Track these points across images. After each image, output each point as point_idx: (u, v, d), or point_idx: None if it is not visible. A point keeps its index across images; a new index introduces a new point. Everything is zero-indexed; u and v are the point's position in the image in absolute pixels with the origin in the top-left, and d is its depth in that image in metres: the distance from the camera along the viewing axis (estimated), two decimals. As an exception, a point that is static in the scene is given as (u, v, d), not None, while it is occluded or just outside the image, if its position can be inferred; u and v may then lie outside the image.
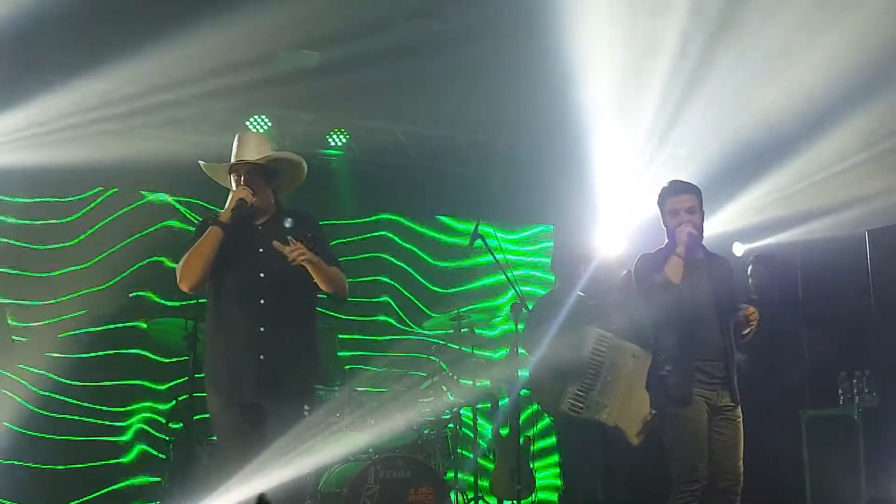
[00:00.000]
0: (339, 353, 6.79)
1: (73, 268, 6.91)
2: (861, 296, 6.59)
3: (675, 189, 4.69)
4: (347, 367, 6.44)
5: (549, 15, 5.84)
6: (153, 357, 6.97)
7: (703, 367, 4.52)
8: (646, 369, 4.82)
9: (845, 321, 6.64)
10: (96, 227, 7.06)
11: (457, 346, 6.67)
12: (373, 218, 8.05)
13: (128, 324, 6.91)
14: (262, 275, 4.01)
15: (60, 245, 6.94)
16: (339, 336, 6.87)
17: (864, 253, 6.61)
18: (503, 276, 6.12)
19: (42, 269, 6.84)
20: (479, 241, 5.81)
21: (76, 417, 6.76)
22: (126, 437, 6.93)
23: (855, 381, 6.22)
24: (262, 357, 3.95)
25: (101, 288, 6.91)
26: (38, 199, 6.94)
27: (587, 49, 6.25)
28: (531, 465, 6.62)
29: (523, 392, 6.40)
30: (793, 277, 7.35)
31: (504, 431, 6.65)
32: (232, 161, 4.15)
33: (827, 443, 6.26)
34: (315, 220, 4.33)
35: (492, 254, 5.69)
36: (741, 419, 4.60)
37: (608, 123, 7.03)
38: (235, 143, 4.20)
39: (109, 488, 6.76)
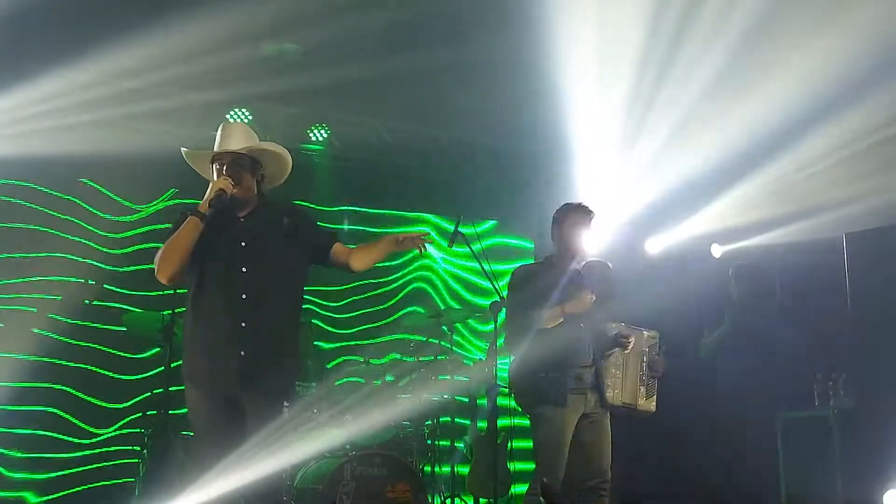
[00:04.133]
0: (316, 343, 6.78)
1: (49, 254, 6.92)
2: (838, 298, 6.63)
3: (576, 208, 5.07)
4: (330, 365, 6.44)
5: (533, 14, 5.84)
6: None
7: (575, 373, 4.81)
8: (640, 341, 5.04)
9: (822, 323, 6.68)
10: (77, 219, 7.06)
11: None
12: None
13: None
14: (244, 269, 3.94)
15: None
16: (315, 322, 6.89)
17: (842, 256, 6.65)
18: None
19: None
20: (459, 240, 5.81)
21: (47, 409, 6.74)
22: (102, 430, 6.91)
23: (831, 383, 6.26)
24: (243, 353, 3.87)
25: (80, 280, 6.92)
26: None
27: (571, 50, 6.26)
28: (508, 463, 6.62)
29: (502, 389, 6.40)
30: (770, 280, 7.38)
31: (482, 428, 6.65)
32: (215, 150, 4.07)
33: (802, 444, 6.29)
34: (304, 210, 4.32)
35: (472, 252, 5.66)
36: (608, 420, 4.87)
37: (590, 123, 7.04)
38: (219, 133, 4.11)
39: (83, 487, 6.74)
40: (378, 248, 4.23)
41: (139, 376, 6.99)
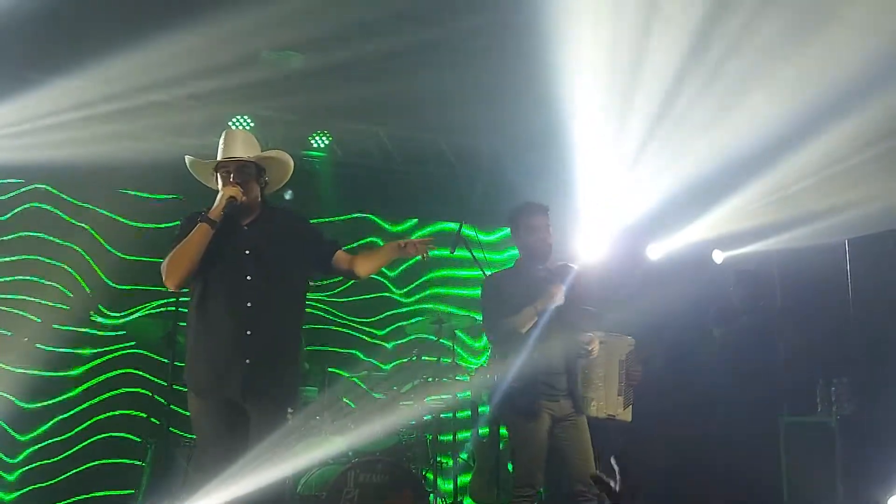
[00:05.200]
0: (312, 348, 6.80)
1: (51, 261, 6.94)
2: (840, 304, 6.63)
3: (531, 208, 5.03)
4: (331, 369, 6.44)
5: (535, 22, 5.85)
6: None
7: (547, 380, 4.77)
8: (618, 349, 5.07)
9: (824, 329, 6.68)
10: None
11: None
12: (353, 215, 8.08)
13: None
14: (248, 277, 3.94)
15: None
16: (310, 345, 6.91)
17: (844, 261, 6.65)
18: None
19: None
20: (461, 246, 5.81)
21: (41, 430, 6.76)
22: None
23: (833, 388, 6.25)
24: (248, 361, 3.88)
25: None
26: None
27: (572, 56, 6.26)
28: (510, 469, 6.61)
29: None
30: (772, 286, 7.38)
31: (483, 434, 6.65)
32: (219, 158, 4.05)
33: (804, 450, 6.29)
34: (306, 218, 4.33)
35: (474, 258, 5.68)
36: (586, 424, 4.84)
37: (591, 130, 7.04)
38: (222, 141, 4.10)
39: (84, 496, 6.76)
40: (381, 254, 4.24)
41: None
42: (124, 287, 7.06)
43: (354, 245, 7.73)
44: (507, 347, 4.85)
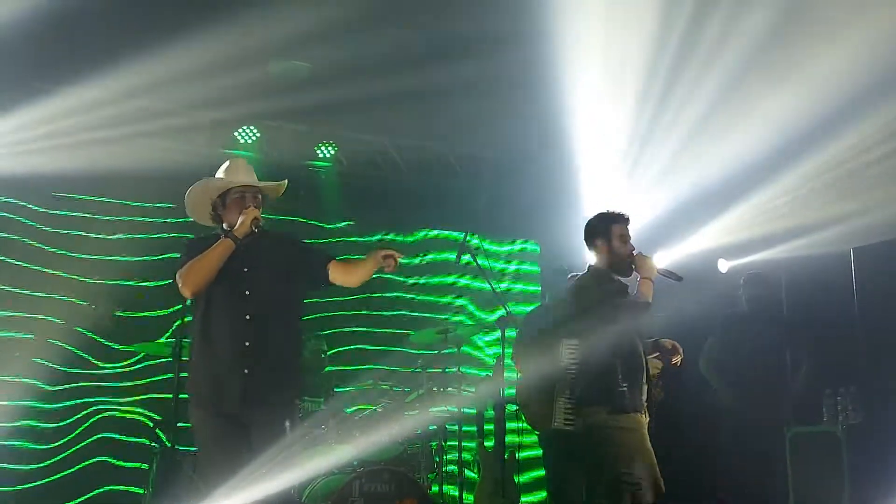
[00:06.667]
0: (328, 368, 6.83)
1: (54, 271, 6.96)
2: (846, 313, 6.62)
3: (623, 217, 4.84)
4: (336, 388, 6.46)
5: (539, 32, 5.88)
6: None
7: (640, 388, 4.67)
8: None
9: (830, 338, 6.66)
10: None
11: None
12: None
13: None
14: (247, 292, 4.11)
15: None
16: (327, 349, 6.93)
17: (850, 270, 6.65)
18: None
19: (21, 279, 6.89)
20: (466, 255, 5.81)
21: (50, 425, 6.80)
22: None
23: (839, 398, 6.24)
24: (246, 371, 4.01)
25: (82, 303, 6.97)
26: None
27: (578, 66, 6.29)
28: (515, 479, 6.61)
29: (510, 406, 6.39)
30: (777, 294, 7.37)
31: (489, 445, 6.64)
32: (234, 183, 4.23)
33: (811, 460, 6.26)
34: (296, 238, 4.47)
35: (479, 267, 5.68)
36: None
37: (596, 139, 7.06)
38: (228, 168, 4.31)
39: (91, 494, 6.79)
40: (368, 265, 4.27)
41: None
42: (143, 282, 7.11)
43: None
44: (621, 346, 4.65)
